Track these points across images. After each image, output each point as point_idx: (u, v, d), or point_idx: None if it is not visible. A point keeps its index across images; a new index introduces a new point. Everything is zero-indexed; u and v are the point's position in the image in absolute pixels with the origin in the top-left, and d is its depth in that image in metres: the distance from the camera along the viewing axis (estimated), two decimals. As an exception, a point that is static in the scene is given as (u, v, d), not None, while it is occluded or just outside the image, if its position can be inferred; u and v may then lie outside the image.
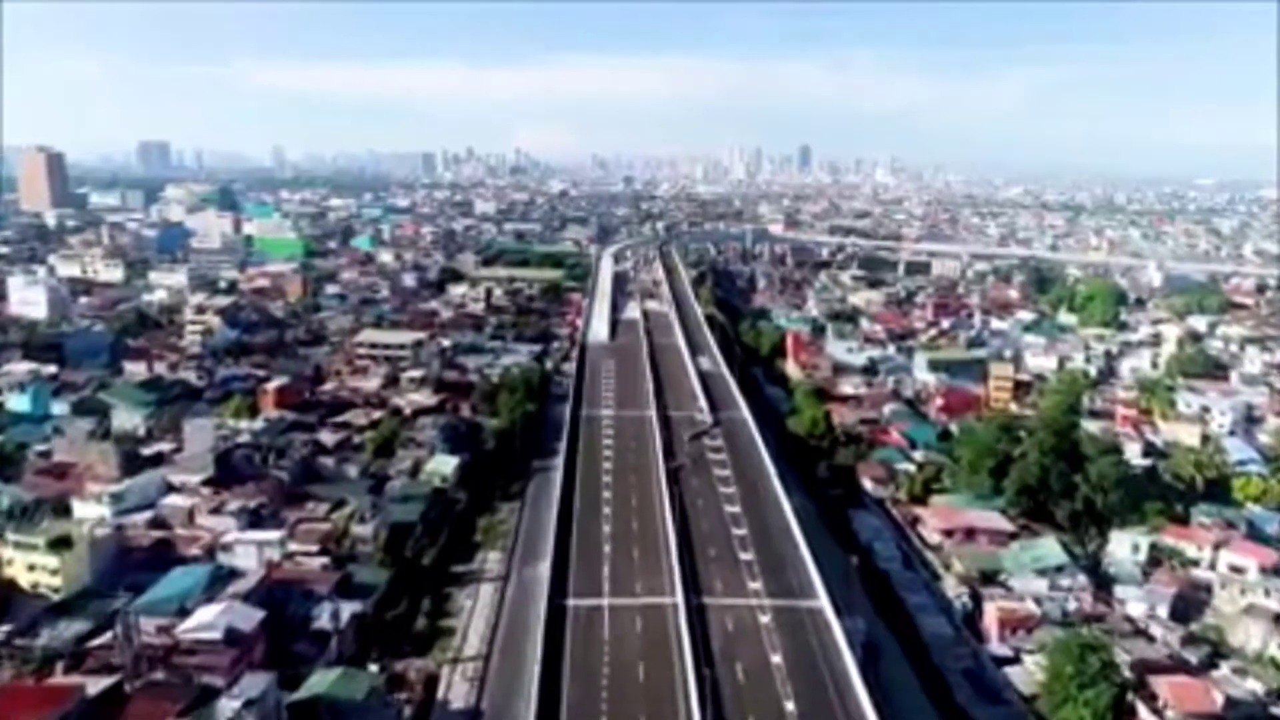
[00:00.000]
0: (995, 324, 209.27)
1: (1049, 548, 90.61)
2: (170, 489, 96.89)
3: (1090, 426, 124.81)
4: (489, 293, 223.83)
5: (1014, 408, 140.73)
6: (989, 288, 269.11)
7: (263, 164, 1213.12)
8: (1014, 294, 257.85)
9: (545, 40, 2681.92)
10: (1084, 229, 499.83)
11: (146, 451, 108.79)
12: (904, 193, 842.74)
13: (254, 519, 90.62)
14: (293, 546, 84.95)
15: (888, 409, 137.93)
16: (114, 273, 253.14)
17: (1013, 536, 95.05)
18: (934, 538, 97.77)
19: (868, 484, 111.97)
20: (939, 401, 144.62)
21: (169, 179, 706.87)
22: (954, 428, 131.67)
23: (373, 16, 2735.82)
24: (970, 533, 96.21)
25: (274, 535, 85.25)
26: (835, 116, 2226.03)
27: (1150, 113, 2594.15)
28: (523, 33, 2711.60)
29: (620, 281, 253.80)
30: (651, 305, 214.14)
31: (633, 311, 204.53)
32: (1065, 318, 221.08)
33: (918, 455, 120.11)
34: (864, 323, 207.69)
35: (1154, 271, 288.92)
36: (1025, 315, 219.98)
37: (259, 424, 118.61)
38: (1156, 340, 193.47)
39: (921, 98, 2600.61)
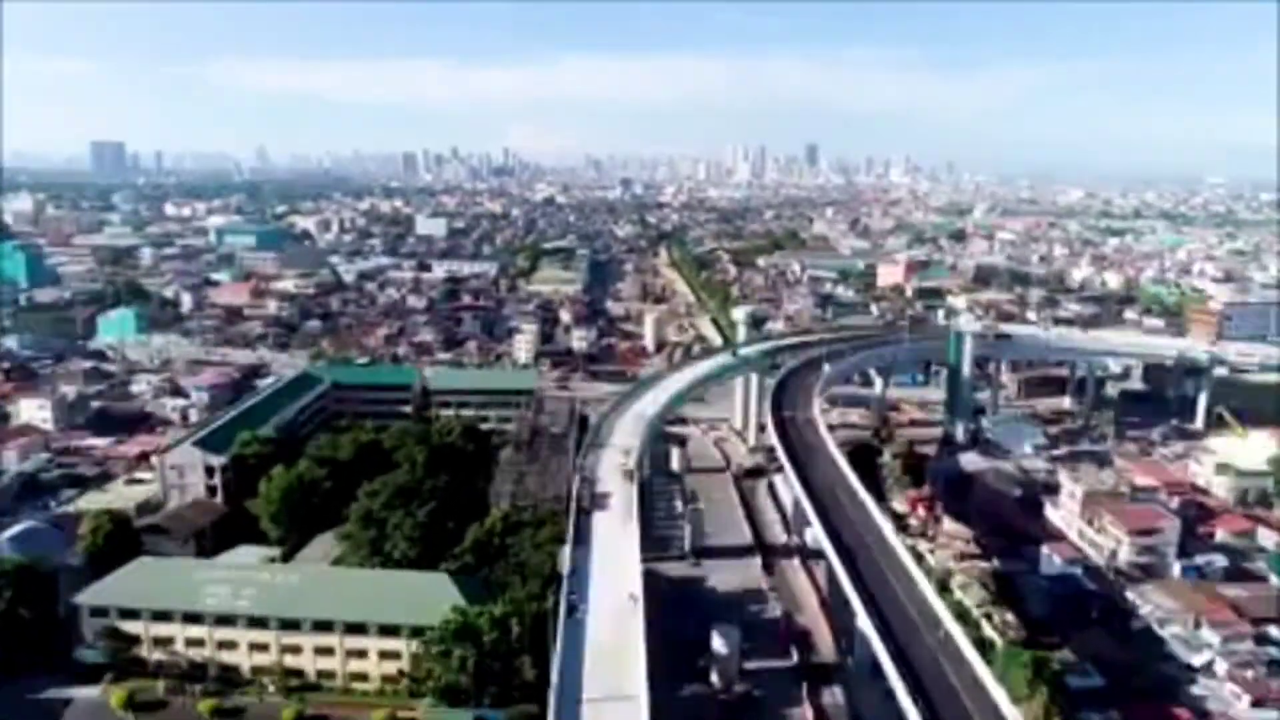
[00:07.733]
0: None
1: None
2: None
3: None
4: None
5: None
6: None
7: (243, 165, 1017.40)
8: None
9: (539, 39, 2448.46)
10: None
11: None
12: (957, 197, 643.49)
13: None
14: None
15: None
16: None
17: None
18: None
19: None
20: None
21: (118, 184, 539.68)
22: None
23: (363, 15, 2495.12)
24: None
25: None
26: (835, 114, 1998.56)
27: (1145, 111, 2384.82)
28: (517, 31, 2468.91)
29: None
30: None
31: None
32: None
33: None
34: None
35: None
36: None
37: None
38: None
39: (920, 95, 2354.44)
